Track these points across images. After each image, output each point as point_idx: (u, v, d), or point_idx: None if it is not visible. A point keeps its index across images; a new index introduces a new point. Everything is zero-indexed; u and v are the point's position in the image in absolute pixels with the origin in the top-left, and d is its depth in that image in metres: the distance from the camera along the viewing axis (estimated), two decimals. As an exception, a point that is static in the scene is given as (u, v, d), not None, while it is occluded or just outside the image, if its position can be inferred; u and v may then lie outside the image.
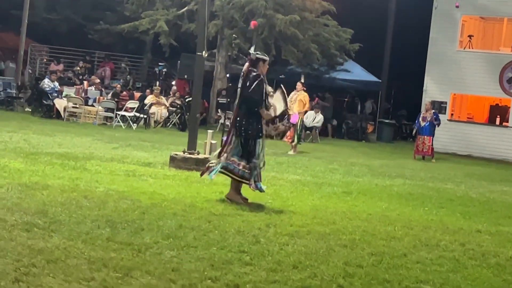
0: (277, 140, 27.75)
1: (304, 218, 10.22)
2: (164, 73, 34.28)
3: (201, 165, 13.50)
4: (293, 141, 21.96)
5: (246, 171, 10.96)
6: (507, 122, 29.94)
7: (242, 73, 11.10)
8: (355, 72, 35.70)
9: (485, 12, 31.18)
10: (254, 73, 10.96)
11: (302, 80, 22.29)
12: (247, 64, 11.10)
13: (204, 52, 15.23)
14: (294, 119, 21.67)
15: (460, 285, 7.28)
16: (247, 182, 10.99)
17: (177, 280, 6.47)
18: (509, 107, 30.07)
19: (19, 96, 30.95)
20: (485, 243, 9.63)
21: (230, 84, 31.96)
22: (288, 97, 20.48)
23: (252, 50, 11.13)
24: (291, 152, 21.64)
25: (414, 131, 26.01)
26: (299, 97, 21.86)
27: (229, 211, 10.14)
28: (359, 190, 14.11)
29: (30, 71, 35.77)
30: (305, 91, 22.40)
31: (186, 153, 14.80)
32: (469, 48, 31.10)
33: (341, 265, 7.62)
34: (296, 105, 21.69)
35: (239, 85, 11.04)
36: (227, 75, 31.24)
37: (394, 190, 14.81)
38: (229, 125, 11.52)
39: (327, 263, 7.68)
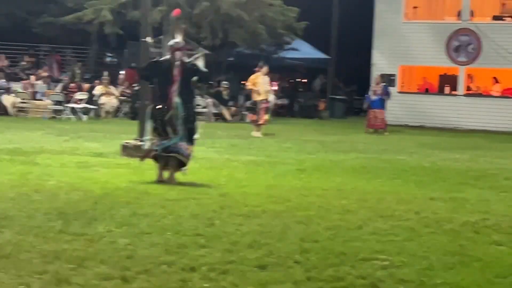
0: (232, 123, 27.80)
1: (259, 197, 10.21)
2: (115, 63, 33.96)
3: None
4: (263, 122, 22.06)
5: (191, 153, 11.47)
6: (456, 90, 30.19)
7: (179, 62, 11.34)
8: (304, 50, 35.73)
9: (428, -18, 31.41)
10: (189, 60, 11.63)
11: (261, 64, 22.35)
12: (179, 52, 11.36)
13: (148, 38, 15.09)
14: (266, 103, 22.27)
15: (416, 253, 7.31)
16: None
17: (131, 267, 6.41)
18: (457, 76, 30.31)
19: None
20: (439, 210, 9.71)
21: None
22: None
23: (177, 39, 11.46)
24: (258, 134, 21.58)
25: (365, 105, 26.12)
26: (268, 81, 22.37)
27: (183, 195, 10.09)
28: (313, 167, 14.14)
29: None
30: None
31: (137, 141, 14.67)
32: (415, 19, 31.26)
33: (297, 242, 7.62)
34: (268, 88, 22.21)
35: (175, 72, 11.22)
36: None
37: (348, 165, 14.87)
38: (165, 110, 11.47)
39: (283, 240, 7.67)
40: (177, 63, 11.32)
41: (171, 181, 11.25)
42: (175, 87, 11.25)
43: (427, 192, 11.38)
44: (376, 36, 31.30)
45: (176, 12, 12.55)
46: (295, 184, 11.69)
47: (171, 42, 11.57)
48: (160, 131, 11.39)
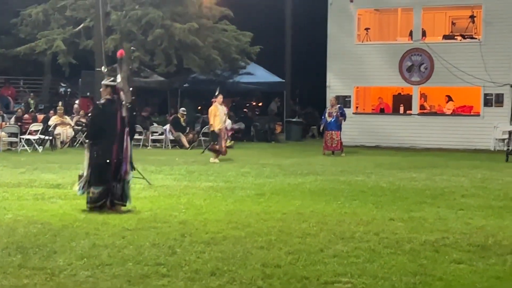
0: (190, 149, 27.73)
1: (219, 224, 10.20)
2: (68, 93, 33.79)
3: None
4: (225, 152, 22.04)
5: None
6: (411, 110, 30.50)
7: (128, 104, 11.46)
8: (258, 74, 35.87)
9: (379, 4, 31.68)
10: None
11: (217, 92, 22.26)
12: (122, 93, 11.34)
13: (103, 67, 15.07)
14: (231, 131, 22.23)
15: (377, 274, 7.36)
16: None
17: (93, 300, 6.37)
18: (411, 95, 30.63)
19: None
20: (399, 231, 9.78)
21: (134, 98, 31.62)
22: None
23: (119, 79, 11.39)
24: (216, 160, 21.48)
25: (321, 127, 26.22)
26: (225, 109, 22.35)
27: (142, 224, 10.05)
28: (272, 191, 14.16)
29: None
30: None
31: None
32: (367, 41, 31.57)
33: (259, 267, 7.62)
34: (227, 117, 22.23)
35: (124, 114, 11.29)
36: (131, 89, 30.92)
37: (307, 187, 14.90)
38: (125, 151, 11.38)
39: (245, 266, 7.67)
40: (124, 103, 11.31)
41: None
42: (127, 129, 11.26)
43: (386, 212, 11.46)
44: (330, 58, 31.53)
45: (120, 53, 12.43)
46: (254, 209, 11.69)
47: (109, 82, 11.43)
48: (103, 177, 11.24)
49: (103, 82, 11.62)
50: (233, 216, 10.94)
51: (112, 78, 11.56)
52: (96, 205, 11.21)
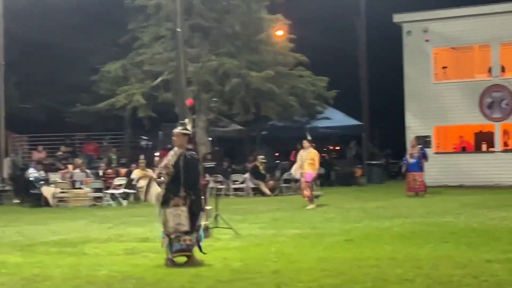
0: (272, 196, 27.71)
1: (312, 272, 10.07)
2: (149, 146, 34.29)
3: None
4: (311, 199, 21.65)
5: None
6: (493, 147, 30.01)
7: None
8: (336, 119, 35.84)
9: (455, 42, 31.45)
10: None
11: (309, 137, 21.95)
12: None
13: (187, 120, 15.16)
14: (309, 177, 21.44)
15: (483, 320, 7.16)
16: None
17: None
18: (493, 132, 30.15)
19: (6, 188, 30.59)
20: (498, 273, 9.51)
21: (217, 148, 31.90)
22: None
23: (190, 128, 11.35)
24: (311, 206, 21.33)
25: (403, 169, 25.97)
26: (310, 155, 21.63)
27: (235, 276, 9.99)
28: (360, 236, 13.98)
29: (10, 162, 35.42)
30: (314, 147, 22.23)
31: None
32: (445, 79, 31.30)
33: (360, 317, 7.49)
34: (308, 163, 21.54)
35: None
36: (210, 139, 31.26)
37: (395, 231, 14.69)
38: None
39: (346, 316, 7.55)
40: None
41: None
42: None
43: (481, 254, 11.17)
44: (407, 99, 31.37)
45: (189, 102, 12.40)
46: (346, 256, 11.54)
47: (186, 131, 11.39)
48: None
49: (178, 130, 11.40)
50: (325, 263, 10.80)
51: (183, 127, 11.50)
52: (188, 254, 11.13)
